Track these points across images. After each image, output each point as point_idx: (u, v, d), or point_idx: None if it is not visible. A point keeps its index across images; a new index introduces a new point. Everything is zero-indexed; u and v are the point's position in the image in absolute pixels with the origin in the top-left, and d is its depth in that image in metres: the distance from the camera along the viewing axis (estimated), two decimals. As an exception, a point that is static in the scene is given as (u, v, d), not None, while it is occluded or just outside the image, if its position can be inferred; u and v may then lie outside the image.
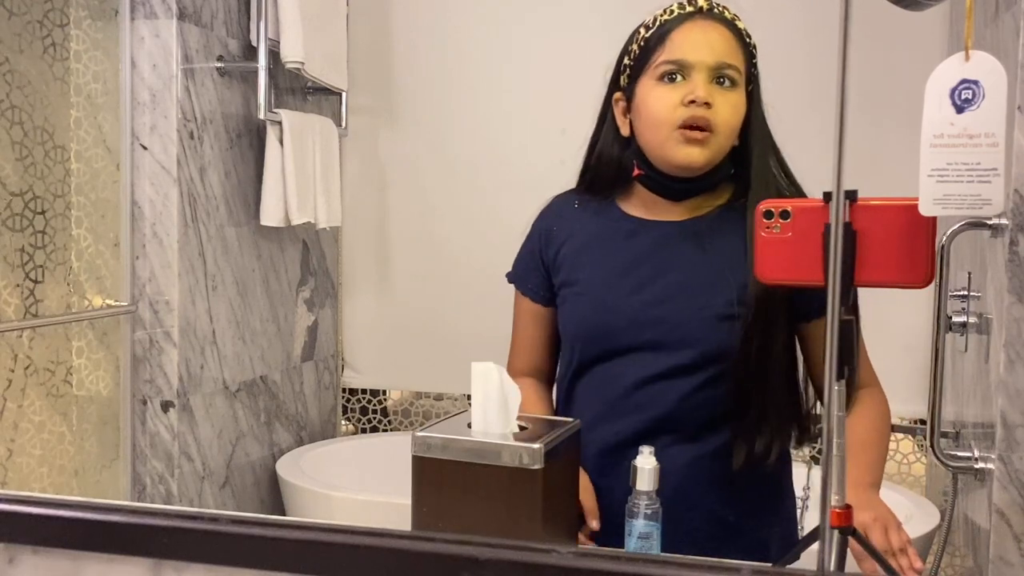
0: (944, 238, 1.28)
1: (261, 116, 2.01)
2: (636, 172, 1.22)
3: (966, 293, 1.42)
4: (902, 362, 2.03)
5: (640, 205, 1.25)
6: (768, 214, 0.92)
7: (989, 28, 1.36)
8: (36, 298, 1.73)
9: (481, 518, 0.98)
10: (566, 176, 2.27)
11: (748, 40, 1.18)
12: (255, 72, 2.00)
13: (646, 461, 1.04)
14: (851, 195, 0.86)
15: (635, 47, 1.20)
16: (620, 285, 1.21)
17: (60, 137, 1.78)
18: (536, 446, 0.97)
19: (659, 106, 1.15)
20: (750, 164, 1.19)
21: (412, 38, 2.38)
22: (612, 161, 1.24)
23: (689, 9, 1.16)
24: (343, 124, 2.33)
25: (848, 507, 0.83)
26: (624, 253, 1.23)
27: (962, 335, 1.40)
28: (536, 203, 2.27)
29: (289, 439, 2.24)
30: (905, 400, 2.05)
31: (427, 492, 1.00)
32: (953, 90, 0.77)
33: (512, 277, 1.33)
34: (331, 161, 2.24)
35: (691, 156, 1.15)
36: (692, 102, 1.13)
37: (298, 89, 2.24)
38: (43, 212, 1.74)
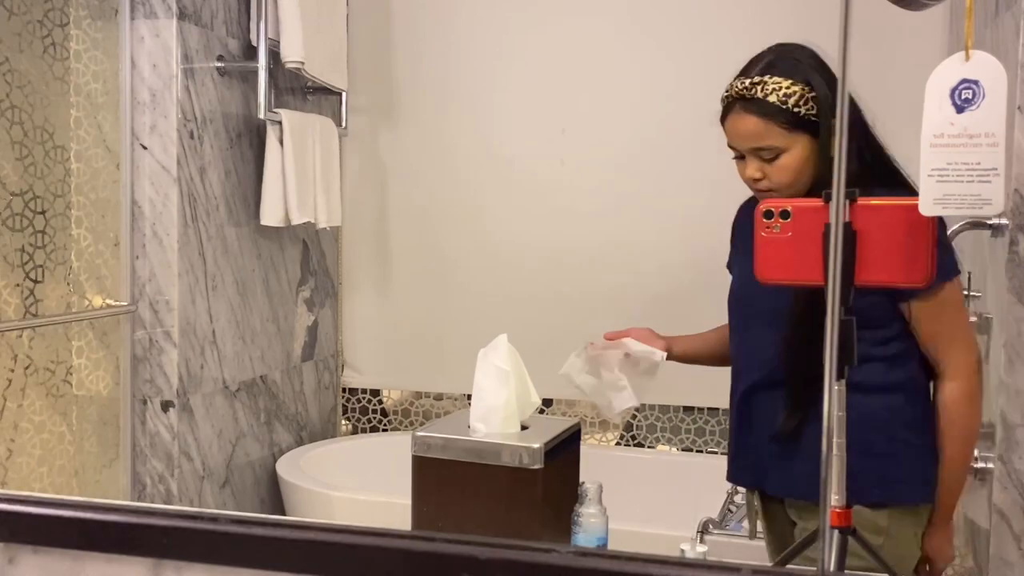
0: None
1: (261, 116, 2.01)
2: None
3: (966, 293, 1.42)
4: (902, 362, 2.02)
5: None
6: (768, 214, 0.92)
7: (989, 28, 1.36)
8: (36, 298, 1.73)
9: (481, 518, 0.98)
10: (566, 175, 2.28)
11: (784, 106, 1.35)
12: (255, 72, 2.00)
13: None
14: (851, 195, 0.86)
15: None
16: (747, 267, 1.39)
17: (60, 137, 1.78)
18: (536, 446, 0.97)
19: (741, 175, 1.41)
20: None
21: (412, 38, 2.38)
22: None
23: (730, 99, 1.38)
24: (343, 124, 2.33)
25: (848, 507, 0.83)
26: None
27: (962, 335, 1.39)
28: (535, 202, 2.27)
29: (289, 439, 2.24)
30: (905, 400, 2.05)
31: (427, 492, 1.00)
32: (953, 90, 0.77)
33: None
34: (331, 161, 2.24)
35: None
36: (756, 180, 1.37)
37: (298, 89, 2.24)
38: (43, 212, 1.74)
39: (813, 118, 1.35)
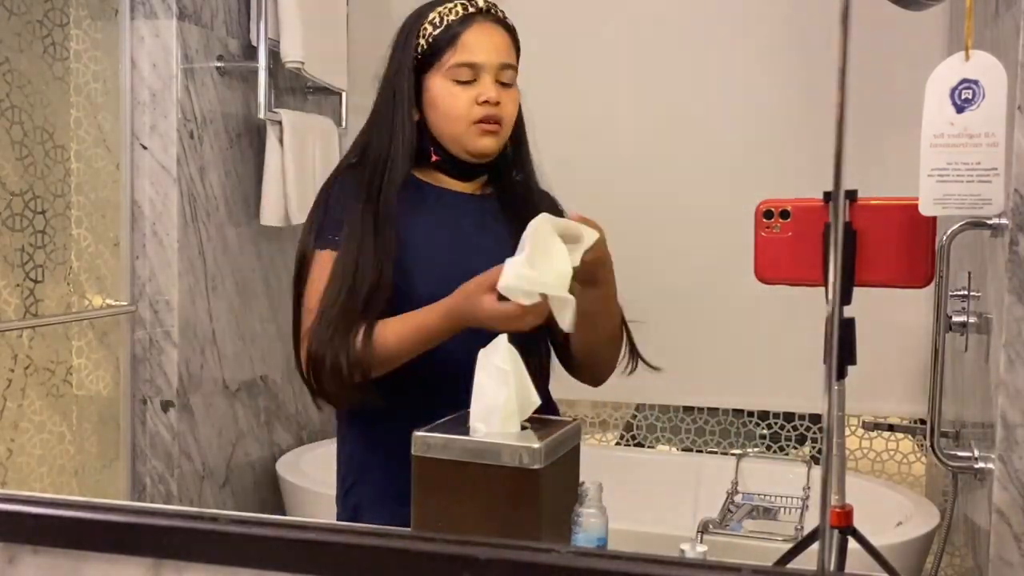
0: (944, 238, 1.28)
1: (261, 116, 2.01)
2: (435, 158, 1.33)
3: (966, 293, 1.42)
4: (902, 362, 2.03)
5: (433, 175, 1.35)
6: (768, 214, 0.93)
7: (989, 28, 1.36)
8: (36, 298, 1.73)
9: (481, 518, 0.98)
10: (567, 174, 2.27)
11: (518, 38, 1.34)
12: (255, 72, 2.00)
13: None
14: (851, 195, 0.86)
15: (422, 42, 1.30)
16: (439, 249, 1.31)
17: (60, 137, 1.78)
18: (536, 446, 0.97)
19: (456, 104, 1.28)
20: (516, 146, 1.38)
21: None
22: (412, 144, 1.32)
23: (472, 10, 1.29)
24: (343, 124, 2.33)
25: (848, 507, 0.83)
26: (433, 219, 1.33)
27: (962, 335, 1.40)
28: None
29: (289, 439, 2.24)
30: (905, 400, 2.05)
31: (427, 492, 1.00)
32: (953, 90, 0.77)
33: (328, 242, 1.28)
34: (331, 161, 2.23)
35: (487, 146, 1.31)
36: (485, 102, 1.28)
37: (298, 89, 2.24)
38: (43, 212, 1.74)
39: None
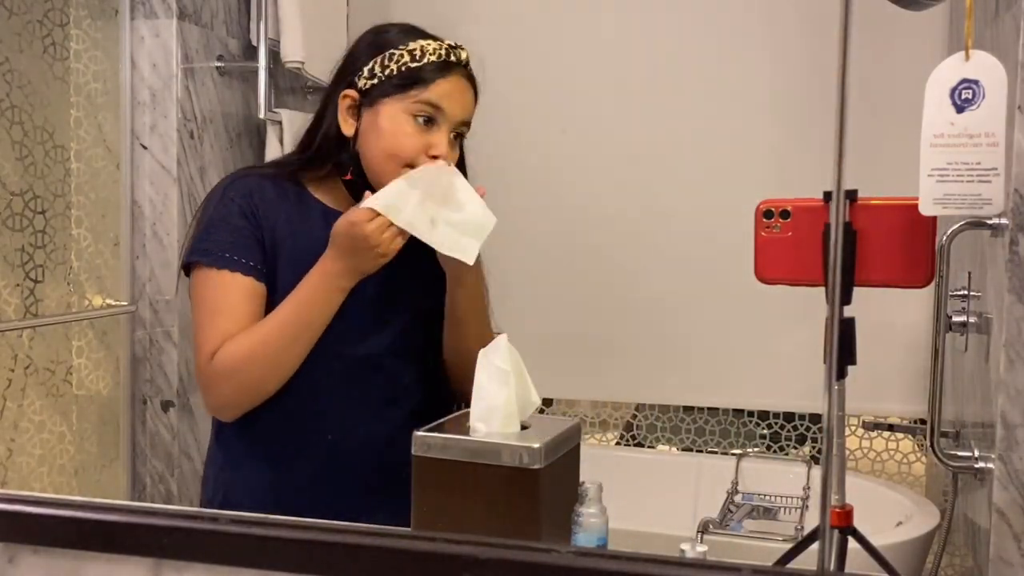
0: (944, 238, 1.28)
1: (261, 116, 2.01)
2: (348, 177, 1.27)
3: (966, 293, 1.42)
4: (902, 362, 2.03)
5: (330, 195, 1.30)
6: (768, 214, 0.93)
7: (989, 28, 1.36)
8: (36, 298, 1.73)
9: (481, 518, 0.98)
10: (565, 175, 2.28)
11: (478, 95, 1.31)
12: (255, 72, 2.00)
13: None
14: (851, 195, 0.86)
15: (393, 66, 1.24)
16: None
17: (60, 137, 1.78)
18: (536, 446, 0.97)
19: (403, 143, 1.22)
20: None
21: (412, 38, 2.38)
22: (330, 157, 1.27)
23: (452, 60, 1.26)
24: (343, 124, 2.33)
25: (848, 507, 0.83)
26: (322, 238, 1.26)
27: (962, 335, 1.40)
28: (533, 201, 2.27)
29: (289, 439, 2.24)
30: (905, 400, 2.05)
31: (427, 492, 1.00)
32: (953, 90, 0.77)
33: (216, 259, 1.24)
34: (331, 161, 2.24)
35: None
36: (435, 157, 1.23)
37: (298, 89, 2.24)
38: (43, 212, 1.74)
39: None
